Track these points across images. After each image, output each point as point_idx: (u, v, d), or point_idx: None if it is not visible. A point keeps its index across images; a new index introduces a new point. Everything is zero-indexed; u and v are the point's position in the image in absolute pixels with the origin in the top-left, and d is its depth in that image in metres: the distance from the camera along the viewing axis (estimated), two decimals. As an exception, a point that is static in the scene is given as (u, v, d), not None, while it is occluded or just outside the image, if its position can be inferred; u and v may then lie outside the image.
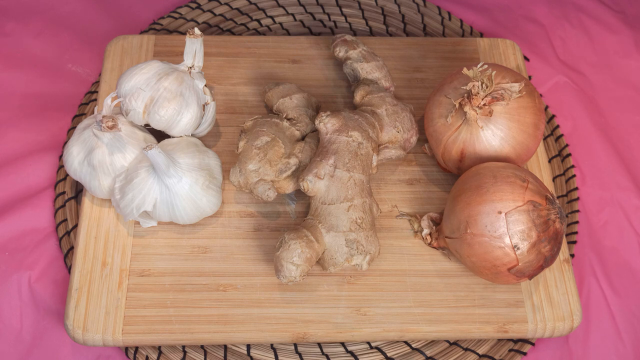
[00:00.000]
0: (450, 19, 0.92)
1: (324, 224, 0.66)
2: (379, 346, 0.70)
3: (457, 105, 0.68)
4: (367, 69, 0.76)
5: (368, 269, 0.68)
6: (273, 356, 0.69)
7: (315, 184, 0.66)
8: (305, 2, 0.92)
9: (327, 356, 0.69)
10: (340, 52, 0.78)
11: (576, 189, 0.80)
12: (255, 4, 0.91)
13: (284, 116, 0.73)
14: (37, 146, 0.79)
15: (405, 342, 0.70)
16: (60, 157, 0.79)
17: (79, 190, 0.76)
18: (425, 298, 0.68)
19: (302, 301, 0.68)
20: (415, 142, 0.74)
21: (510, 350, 0.70)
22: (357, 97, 0.74)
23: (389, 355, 0.69)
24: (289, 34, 0.89)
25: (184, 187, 0.67)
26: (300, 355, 0.69)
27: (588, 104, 0.87)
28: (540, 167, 0.77)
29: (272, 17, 0.90)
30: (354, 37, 0.79)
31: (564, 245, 0.72)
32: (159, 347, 0.68)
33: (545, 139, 0.83)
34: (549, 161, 0.81)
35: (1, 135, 0.80)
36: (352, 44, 0.77)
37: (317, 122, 0.69)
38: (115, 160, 0.68)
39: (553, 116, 0.85)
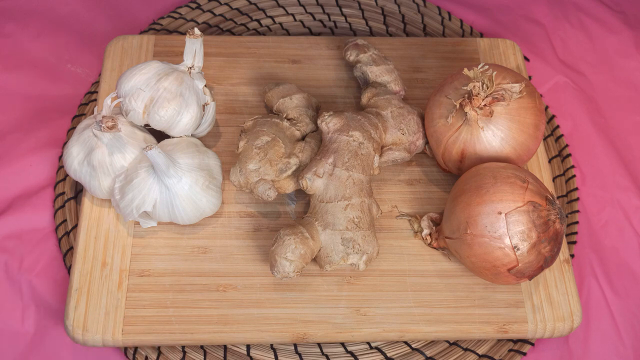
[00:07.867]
0: (450, 19, 0.92)
1: (320, 221, 0.66)
2: (379, 346, 0.70)
3: (458, 106, 0.68)
4: (377, 72, 0.76)
5: (368, 269, 0.68)
6: (273, 356, 0.68)
7: (314, 182, 0.67)
8: (305, 2, 0.92)
9: (327, 356, 0.69)
10: (351, 55, 0.78)
11: (576, 189, 0.80)
12: (255, 4, 0.91)
13: (284, 116, 0.73)
14: (36, 146, 0.79)
15: (405, 343, 0.70)
16: (60, 157, 0.79)
17: (78, 191, 0.76)
18: (425, 298, 0.68)
19: (302, 301, 0.68)
20: (421, 146, 0.74)
21: (510, 351, 0.70)
22: (364, 99, 0.74)
23: (389, 355, 0.69)
24: (289, 34, 0.89)
25: (184, 188, 0.67)
26: (300, 355, 0.69)
27: (588, 104, 0.87)
28: (540, 167, 0.77)
29: (272, 17, 0.90)
30: (365, 41, 0.79)
31: (564, 246, 0.72)
32: (159, 347, 0.68)
33: (545, 139, 0.83)
34: (549, 161, 0.81)
35: (1, 135, 0.80)
36: (363, 48, 0.78)
37: (319, 121, 0.69)
38: (115, 161, 0.68)
39: (553, 116, 0.85)
